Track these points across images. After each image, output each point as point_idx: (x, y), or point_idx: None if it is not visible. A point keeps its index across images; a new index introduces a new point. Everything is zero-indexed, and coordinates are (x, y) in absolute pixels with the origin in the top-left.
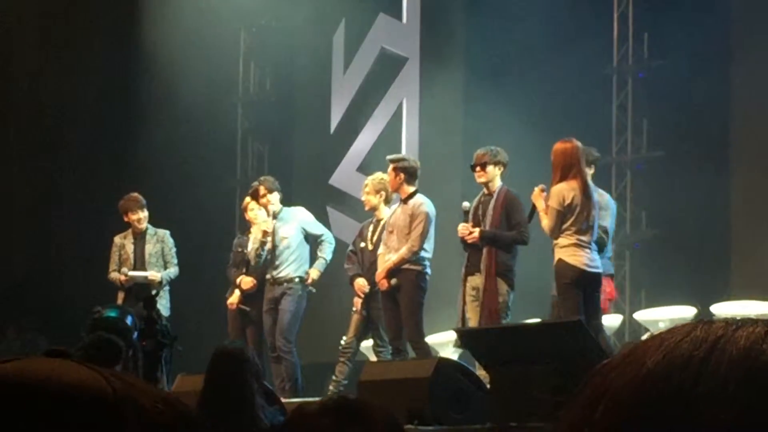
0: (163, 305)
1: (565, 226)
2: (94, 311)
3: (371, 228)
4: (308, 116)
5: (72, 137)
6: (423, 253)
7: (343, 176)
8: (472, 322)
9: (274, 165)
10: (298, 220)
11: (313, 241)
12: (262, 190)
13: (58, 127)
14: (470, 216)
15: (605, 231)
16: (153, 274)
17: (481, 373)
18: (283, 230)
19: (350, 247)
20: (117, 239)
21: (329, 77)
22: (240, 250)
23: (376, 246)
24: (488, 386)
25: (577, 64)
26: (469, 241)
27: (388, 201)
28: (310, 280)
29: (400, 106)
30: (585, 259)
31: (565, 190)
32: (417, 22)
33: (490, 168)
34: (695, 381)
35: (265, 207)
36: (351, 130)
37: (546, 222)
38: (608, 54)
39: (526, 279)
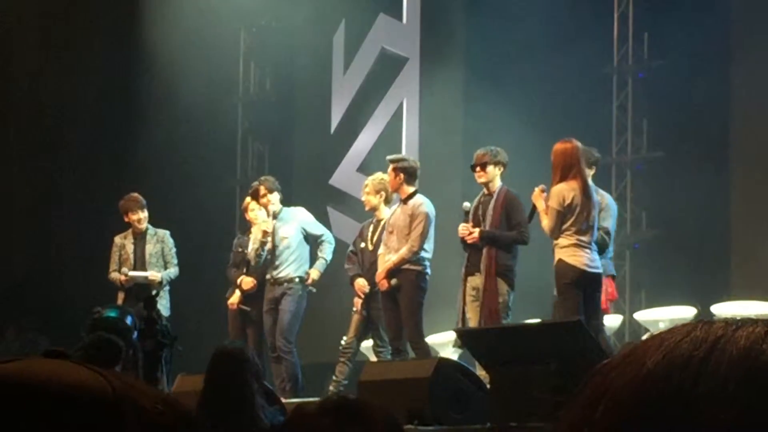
0: (164, 305)
1: (565, 226)
2: (94, 311)
3: (371, 228)
4: (308, 116)
5: (72, 137)
6: (423, 254)
7: (343, 176)
8: (472, 322)
9: (274, 165)
10: (298, 220)
11: (313, 242)
12: (262, 190)
13: (58, 127)
14: (470, 216)
15: (607, 232)
16: (153, 274)
17: (481, 373)
18: (283, 230)
19: (350, 248)
20: (117, 239)
21: (329, 77)
22: (240, 250)
23: (377, 246)
24: (488, 386)
25: (577, 64)
26: (469, 241)
27: (388, 201)
28: (310, 281)
29: (400, 107)
30: (585, 259)
31: (565, 191)
32: (417, 23)
33: (490, 168)
34: (695, 381)
35: (265, 207)
36: (351, 130)
37: (546, 222)
38: (608, 54)
39: (527, 279)
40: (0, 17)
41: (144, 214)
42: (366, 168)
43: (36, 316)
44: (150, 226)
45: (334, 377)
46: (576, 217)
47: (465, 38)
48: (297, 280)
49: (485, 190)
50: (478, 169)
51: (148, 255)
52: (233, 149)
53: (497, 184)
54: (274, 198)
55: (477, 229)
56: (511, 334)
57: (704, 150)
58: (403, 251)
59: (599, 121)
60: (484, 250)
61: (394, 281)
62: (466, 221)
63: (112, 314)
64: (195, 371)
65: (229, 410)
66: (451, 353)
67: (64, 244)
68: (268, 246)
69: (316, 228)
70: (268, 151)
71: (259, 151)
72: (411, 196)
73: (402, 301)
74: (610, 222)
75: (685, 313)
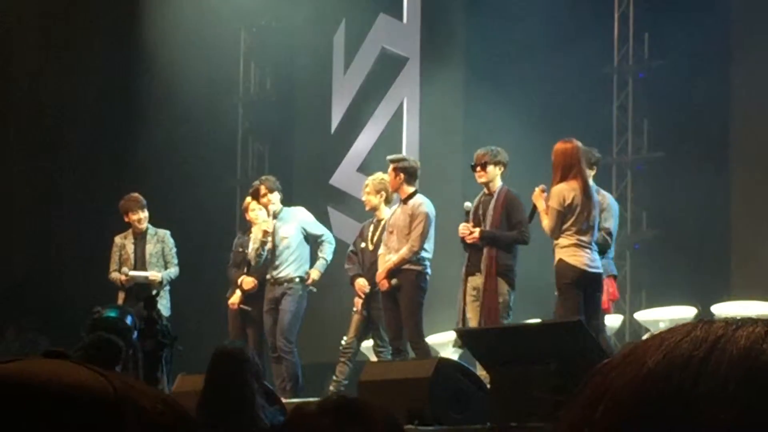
0: (164, 305)
1: (565, 226)
2: (93, 311)
3: (372, 228)
4: (309, 116)
5: (72, 137)
6: (423, 254)
7: (343, 176)
8: (473, 322)
9: (275, 165)
10: (298, 220)
11: (313, 242)
12: (263, 189)
13: (58, 127)
14: (470, 216)
15: (608, 233)
16: (153, 274)
17: (481, 373)
18: (283, 230)
19: (351, 248)
20: (117, 239)
21: (330, 77)
22: (241, 250)
23: (377, 246)
24: (488, 386)
25: (577, 64)
26: (469, 241)
27: (388, 201)
28: (310, 281)
29: (400, 107)
30: (585, 259)
31: (566, 191)
32: (417, 22)
33: (490, 168)
34: (695, 381)
35: (266, 206)
36: (351, 130)
37: (546, 222)
38: (608, 54)
39: (527, 279)
40: (0, 17)
41: (144, 214)
42: (366, 168)
43: (36, 316)
44: (150, 226)
45: (334, 377)
46: (576, 217)
47: (465, 38)
48: (297, 280)
49: (485, 190)
50: (478, 168)
51: (149, 255)
52: (233, 149)
53: (497, 183)
54: (275, 198)
55: (477, 229)
56: (512, 334)
57: (704, 150)
58: (404, 251)
59: (599, 121)
60: (485, 250)
61: (394, 281)
62: (467, 221)
63: (112, 314)
64: (195, 371)
65: (229, 410)
66: (452, 353)
67: (64, 244)
68: (269, 246)
69: (316, 228)
70: (268, 151)
71: (259, 151)
72: (411, 196)
73: (402, 301)
74: (611, 222)
75: (686, 313)
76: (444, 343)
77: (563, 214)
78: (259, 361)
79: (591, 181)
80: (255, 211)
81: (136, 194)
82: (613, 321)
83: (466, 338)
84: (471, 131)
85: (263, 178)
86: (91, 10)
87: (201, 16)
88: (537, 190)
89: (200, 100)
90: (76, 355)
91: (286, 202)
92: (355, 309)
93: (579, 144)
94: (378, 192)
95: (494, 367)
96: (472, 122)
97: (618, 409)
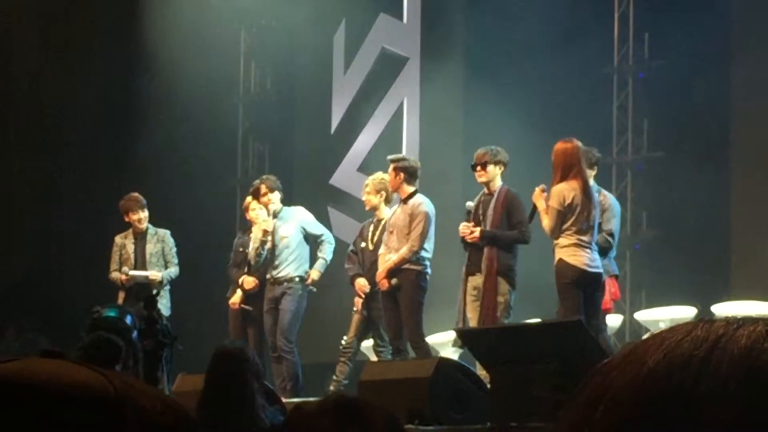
0: (164, 305)
1: (565, 226)
2: (93, 311)
3: (372, 228)
4: (309, 116)
5: (72, 137)
6: (423, 253)
7: (343, 176)
8: (473, 321)
9: (275, 165)
10: (298, 219)
11: (313, 241)
12: (263, 189)
13: (58, 127)
14: (471, 215)
15: (610, 234)
16: (154, 273)
17: (481, 372)
18: (282, 230)
19: (351, 247)
20: (118, 239)
21: (330, 77)
22: (242, 249)
23: (377, 246)
24: (488, 386)
25: (577, 64)
26: (470, 241)
27: (388, 201)
28: (310, 281)
29: (400, 106)
30: (585, 259)
31: (566, 190)
32: (417, 22)
33: (490, 167)
34: (696, 380)
35: (266, 206)
36: (351, 129)
37: (546, 222)
38: (609, 54)
39: (527, 279)
40: (0, 17)
41: (144, 214)
42: (366, 168)
43: (36, 316)
44: (150, 226)
45: (334, 377)
46: (576, 216)
47: (465, 38)
48: (297, 279)
49: (486, 190)
50: (478, 168)
51: (149, 255)
52: (233, 149)
53: (498, 183)
54: (275, 197)
55: (478, 229)
56: (512, 333)
57: (704, 150)
58: (404, 251)
59: (599, 121)
60: (485, 250)
61: (394, 281)
62: (468, 221)
63: (112, 314)
64: (195, 371)
65: (230, 410)
66: (452, 353)
67: (64, 244)
68: (268, 245)
69: (316, 228)
70: (268, 150)
71: (259, 151)
72: (411, 195)
73: (402, 301)
74: (613, 223)
75: (686, 313)
76: (444, 343)
77: (563, 213)
78: (260, 361)
79: (592, 181)
80: (255, 211)
81: (136, 194)
82: (613, 321)
83: (466, 338)
84: (471, 131)
85: (264, 177)
86: (91, 10)
87: (201, 15)
88: (537, 189)
89: (200, 99)
90: (76, 354)
91: (287, 201)
92: (355, 309)
93: (579, 144)
94: (378, 192)
95: (494, 367)
96: (472, 122)
97: (618, 409)
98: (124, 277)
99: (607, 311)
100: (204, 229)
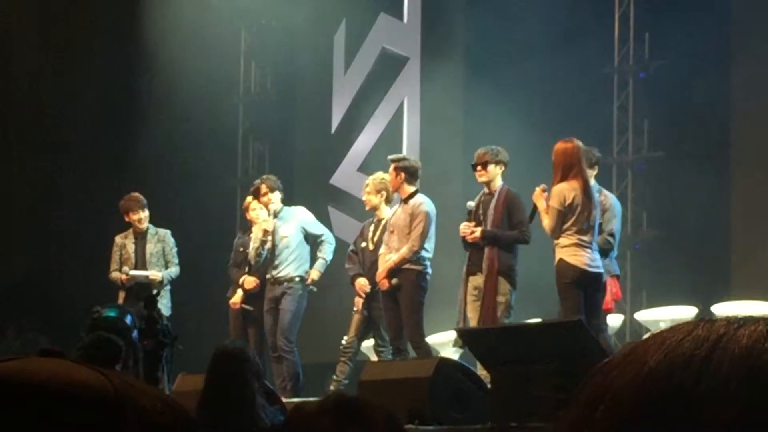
0: (164, 305)
1: (566, 226)
2: (93, 311)
3: (372, 228)
4: (309, 116)
5: (72, 137)
6: (423, 253)
7: (344, 176)
8: (473, 321)
9: (275, 164)
10: (298, 219)
11: (313, 241)
12: (263, 188)
13: (58, 127)
14: (471, 215)
15: (611, 234)
16: (154, 273)
17: (481, 372)
18: (282, 229)
19: (351, 247)
20: (118, 239)
21: (330, 77)
22: (242, 249)
23: (377, 246)
24: (489, 386)
25: (577, 64)
26: (470, 241)
27: (389, 201)
28: (310, 281)
29: (400, 106)
30: (586, 258)
31: (566, 190)
32: (418, 22)
33: (491, 167)
34: (697, 380)
35: (266, 206)
36: (352, 129)
37: (547, 222)
38: (609, 54)
39: (527, 279)
40: (0, 17)
41: (145, 214)
42: (367, 167)
43: (36, 316)
44: (151, 226)
45: (334, 377)
46: (577, 216)
47: (465, 38)
48: (297, 279)
49: (486, 190)
50: (479, 168)
51: (149, 254)
52: (234, 149)
53: (498, 183)
54: (275, 197)
55: (478, 229)
56: (512, 333)
57: (704, 150)
58: (404, 251)
59: (600, 121)
60: (486, 250)
61: (394, 281)
62: (469, 220)
63: (112, 314)
64: (195, 371)
65: (230, 410)
66: (452, 353)
67: (64, 244)
68: (268, 245)
69: (316, 228)
70: (268, 150)
71: (259, 151)
72: (411, 195)
73: (402, 301)
74: (614, 223)
75: (686, 313)
76: (444, 343)
77: (564, 213)
78: (260, 361)
79: (593, 181)
80: (255, 211)
81: (136, 194)
82: (613, 321)
83: (466, 338)
84: (471, 131)
85: (264, 177)
86: (91, 10)
87: (201, 15)
88: (537, 189)
89: (200, 99)
90: (76, 354)
91: (287, 201)
92: (355, 309)
93: (579, 144)
94: (378, 191)
95: (495, 367)
96: (473, 122)
97: (618, 409)
98: (124, 276)
99: (608, 311)
100: (204, 229)
